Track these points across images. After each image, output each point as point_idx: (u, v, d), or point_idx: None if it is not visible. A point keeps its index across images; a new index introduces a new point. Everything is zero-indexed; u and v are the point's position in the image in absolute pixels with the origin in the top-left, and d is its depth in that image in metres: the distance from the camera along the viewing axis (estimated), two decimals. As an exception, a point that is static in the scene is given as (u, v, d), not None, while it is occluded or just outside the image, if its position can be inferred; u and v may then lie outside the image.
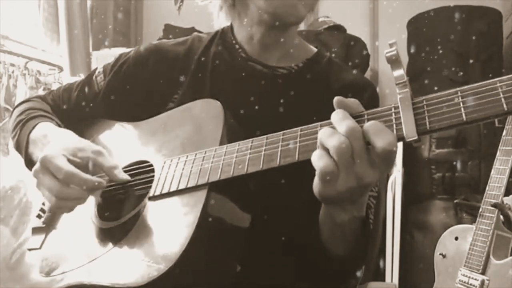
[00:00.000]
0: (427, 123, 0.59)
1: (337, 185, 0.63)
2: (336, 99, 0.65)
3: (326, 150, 0.62)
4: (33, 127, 0.96)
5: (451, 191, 2.56)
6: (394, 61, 0.62)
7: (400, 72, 0.62)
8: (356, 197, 0.69)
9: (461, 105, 0.58)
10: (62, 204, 0.81)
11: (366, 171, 0.62)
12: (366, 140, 0.61)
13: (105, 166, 0.84)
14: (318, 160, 0.62)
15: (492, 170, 1.85)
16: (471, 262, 1.81)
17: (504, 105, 0.55)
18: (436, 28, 2.67)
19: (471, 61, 2.61)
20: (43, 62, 2.67)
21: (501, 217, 1.78)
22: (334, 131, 0.62)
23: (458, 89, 0.59)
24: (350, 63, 2.77)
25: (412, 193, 2.65)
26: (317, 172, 0.63)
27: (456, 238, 1.93)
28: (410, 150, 2.56)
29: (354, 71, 1.04)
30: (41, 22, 2.83)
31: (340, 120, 0.62)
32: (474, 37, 2.62)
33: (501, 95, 0.55)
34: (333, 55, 1.05)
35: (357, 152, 0.61)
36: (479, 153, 2.52)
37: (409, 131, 0.60)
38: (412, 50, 2.82)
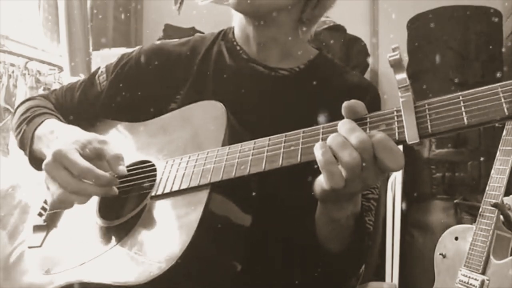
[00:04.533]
0: (429, 126, 0.60)
1: (342, 191, 0.64)
2: (345, 104, 0.65)
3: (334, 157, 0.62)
4: (39, 124, 0.95)
5: (451, 191, 2.56)
6: (397, 65, 0.63)
7: (403, 76, 0.63)
8: (355, 196, 0.71)
9: (463, 109, 0.59)
10: (69, 198, 0.79)
11: (370, 177, 0.63)
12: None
13: (108, 155, 0.83)
14: (330, 180, 0.62)
15: (492, 170, 1.86)
16: (471, 262, 1.81)
17: (505, 110, 0.56)
18: (436, 28, 2.67)
19: (471, 61, 2.62)
20: (43, 62, 2.67)
21: (501, 217, 1.78)
22: (346, 142, 0.62)
23: (459, 93, 0.60)
24: (350, 63, 2.77)
25: (412, 193, 2.65)
26: (326, 184, 0.63)
27: (456, 238, 1.94)
28: (410, 150, 2.56)
29: (355, 73, 1.04)
30: (41, 22, 2.83)
31: (350, 131, 0.62)
32: (474, 37, 2.62)
33: (502, 100, 0.56)
34: (332, 54, 1.05)
35: (366, 163, 0.62)
36: (479, 153, 2.52)
37: (411, 134, 0.60)
38: (412, 50, 2.82)
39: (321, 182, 0.66)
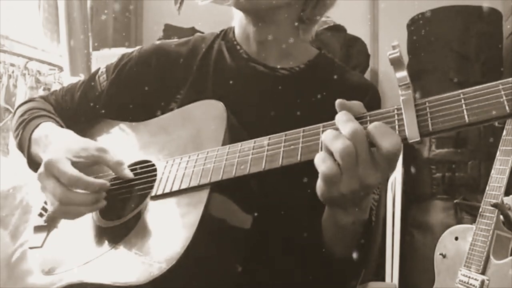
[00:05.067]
0: (430, 124, 0.60)
1: (340, 187, 0.64)
2: (338, 101, 0.66)
3: (330, 152, 0.62)
4: (36, 127, 0.96)
5: (451, 191, 2.55)
6: (397, 63, 0.63)
7: (403, 73, 0.63)
8: (359, 199, 0.69)
9: (464, 107, 0.58)
10: (66, 209, 0.80)
11: (369, 172, 0.62)
12: (369, 142, 0.61)
13: (111, 162, 0.85)
14: (321, 163, 0.63)
15: (492, 170, 1.86)
16: (471, 262, 1.81)
17: (507, 107, 0.55)
18: (436, 28, 2.67)
19: (471, 61, 2.61)
20: (43, 62, 2.66)
21: (501, 217, 1.78)
22: (338, 133, 0.62)
23: (460, 91, 0.59)
24: (350, 63, 2.77)
25: (412, 193, 2.65)
26: (320, 175, 0.63)
27: (456, 238, 1.94)
28: (410, 150, 2.56)
29: (355, 72, 1.04)
30: (41, 22, 2.83)
31: (344, 122, 0.63)
32: (474, 37, 2.61)
33: (504, 98, 0.56)
34: (332, 54, 1.05)
35: (361, 155, 0.61)
36: (479, 153, 2.52)
37: (412, 132, 0.60)
38: (412, 50, 2.82)
39: (320, 184, 0.66)
